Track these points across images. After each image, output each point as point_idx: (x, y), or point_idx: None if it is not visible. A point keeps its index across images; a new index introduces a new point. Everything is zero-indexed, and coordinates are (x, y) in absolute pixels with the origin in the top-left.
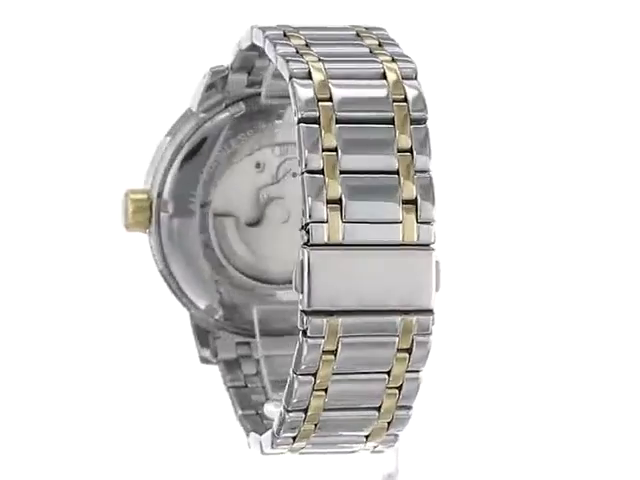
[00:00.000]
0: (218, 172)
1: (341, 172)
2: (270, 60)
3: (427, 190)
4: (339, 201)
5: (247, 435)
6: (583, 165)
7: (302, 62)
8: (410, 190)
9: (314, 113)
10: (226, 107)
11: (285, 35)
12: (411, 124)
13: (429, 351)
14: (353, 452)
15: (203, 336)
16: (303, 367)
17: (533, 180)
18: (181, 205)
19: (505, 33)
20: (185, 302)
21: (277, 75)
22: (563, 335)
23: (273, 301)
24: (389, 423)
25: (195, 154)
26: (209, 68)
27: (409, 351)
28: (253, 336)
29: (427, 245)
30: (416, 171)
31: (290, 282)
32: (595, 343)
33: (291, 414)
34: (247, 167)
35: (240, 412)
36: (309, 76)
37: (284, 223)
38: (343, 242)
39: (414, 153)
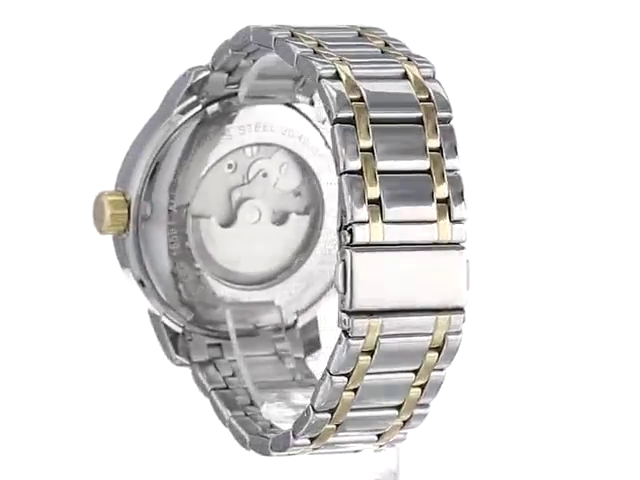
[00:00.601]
0: (194, 174)
1: (378, 172)
2: (255, 60)
3: (458, 189)
4: (378, 201)
5: (242, 437)
6: (596, 159)
7: (327, 62)
8: (442, 189)
9: (349, 113)
10: (203, 108)
11: (293, 35)
12: (438, 123)
13: (457, 349)
14: (357, 451)
15: (174, 339)
16: (338, 368)
17: (542, 180)
18: (159, 207)
19: (500, 34)
20: (158, 305)
21: (262, 76)
22: (576, 335)
23: (242, 302)
24: (405, 421)
25: (171, 156)
26: (189, 68)
27: (439, 349)
28: (222, 337)
29: (459, 244)
30: (447, 170)
31: (259, 283)
32: (624, 347)
33: (318, 415)
34: (221, 168)
35: (230, 413)
36: (337, 76)
37: (254, 224)
38: (384, 242)
39: (443, 152)
